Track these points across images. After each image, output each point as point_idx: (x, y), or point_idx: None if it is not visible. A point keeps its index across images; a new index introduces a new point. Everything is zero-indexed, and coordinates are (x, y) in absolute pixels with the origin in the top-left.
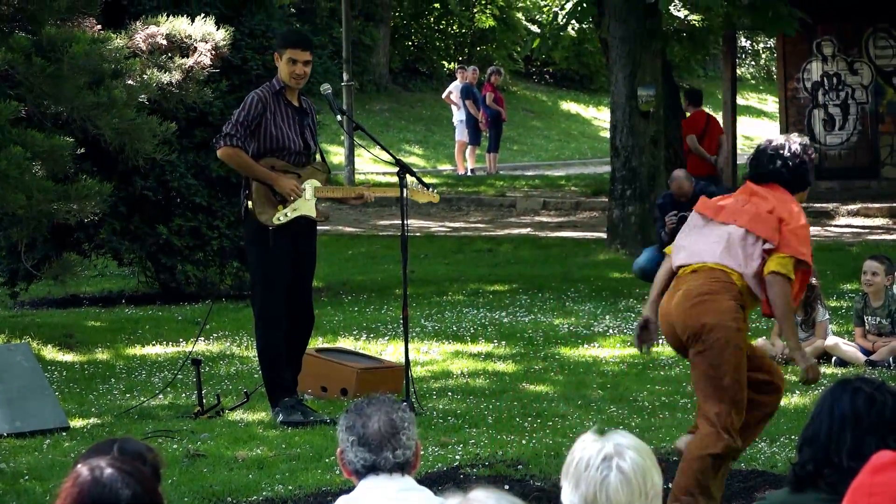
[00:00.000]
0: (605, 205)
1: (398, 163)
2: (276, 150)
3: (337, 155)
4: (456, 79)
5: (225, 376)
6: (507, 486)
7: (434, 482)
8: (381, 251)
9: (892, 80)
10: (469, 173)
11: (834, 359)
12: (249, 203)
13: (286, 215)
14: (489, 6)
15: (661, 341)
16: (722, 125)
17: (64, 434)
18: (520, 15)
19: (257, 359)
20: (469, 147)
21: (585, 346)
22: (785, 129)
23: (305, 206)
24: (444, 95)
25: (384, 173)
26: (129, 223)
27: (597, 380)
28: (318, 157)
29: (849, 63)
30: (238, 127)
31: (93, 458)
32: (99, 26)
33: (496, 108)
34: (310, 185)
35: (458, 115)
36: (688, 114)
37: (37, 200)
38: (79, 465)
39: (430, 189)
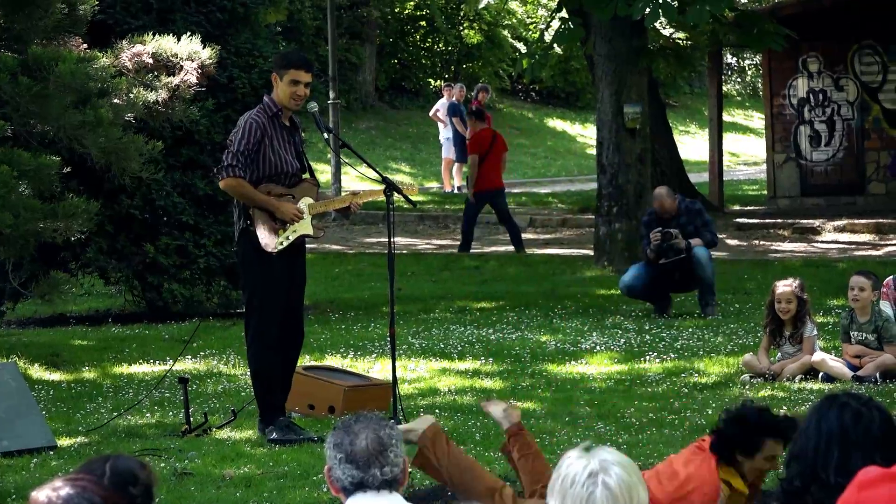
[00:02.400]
0: (592, 222)
1: (385, 180)
2: (273, 175)
3: (324, 173)
4: (443, 96)
5: (212, 394)
6: None
7: (421, 500)
8: (367, 269)
9: (878, 97)
10: (456, 191)
11: (821, 374)
12: (251, 229)
13: (288, 238)
14: (476, 23)
15: (646, 358)
16: (709, 142)
17: (51, 453)
18: (506, 32)
19: (250, 379)
20: (456, 164)
21: (572, 362)
22: (771, 146)
23: (303, 225)
24: (431, 113)
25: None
26: (116, 242)
27: (584, 396)
28: (307, 173)
29: (834, 79)
30: (239, 157)
31: (79, 474)
32: (85, 45)
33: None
34: (304, 204)
35: (445, 133)
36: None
37: (23, 219)
38: (34, 492)
39: (412, 187)
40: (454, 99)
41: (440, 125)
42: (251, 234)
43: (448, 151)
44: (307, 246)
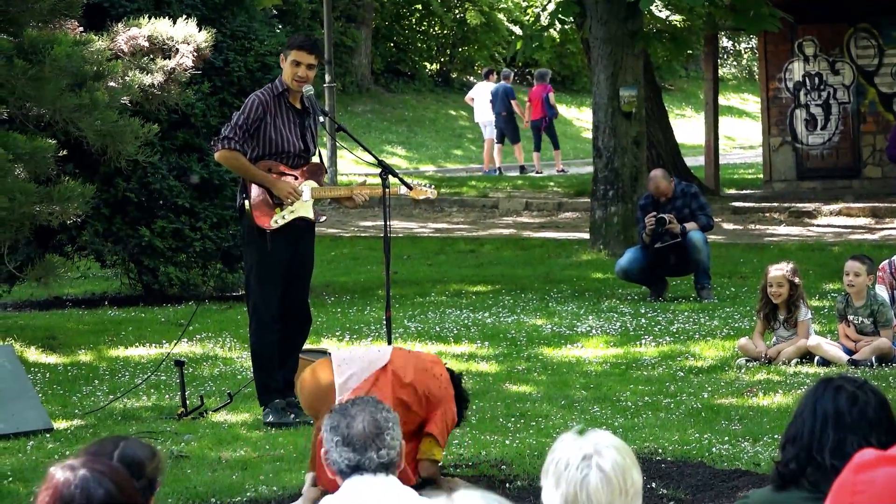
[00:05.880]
0: (588, 205)
1: (381, 164)
2: (275, 153)
3: None
4: (488, 81)
5: (208, 377)
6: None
7: (418, 483)
8: (363, 252)
9: (874, 80)
10: (496, 172)
11: (817, 358)
12: (247, 204)
13: (284, 217)
14: (477, 4)
15: (642, 342)
16: (704, 126)
17: (48, 436)
18: (501, 16)
19: (246, 361)
20: (497, 146)
21: (568, 346)
22: (767, 130)
23: (303, 207)
24: (474, 98)
25: (367, 175)
26: (112, 225)
27: (580, 380)
28: (315, 157)
29: (830, 63)
30: (237, 130)
31: (87, 456)
32: (80, 28)
33: (555, 109)
34: (307, 187)
35: (484, 117)
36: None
37: (19, 203)
38: (52, 468)
39: (429, 186)
40: (504, 83)
41: (477, 109)
42: (248, 212)
43: (490, 133)
44: None
